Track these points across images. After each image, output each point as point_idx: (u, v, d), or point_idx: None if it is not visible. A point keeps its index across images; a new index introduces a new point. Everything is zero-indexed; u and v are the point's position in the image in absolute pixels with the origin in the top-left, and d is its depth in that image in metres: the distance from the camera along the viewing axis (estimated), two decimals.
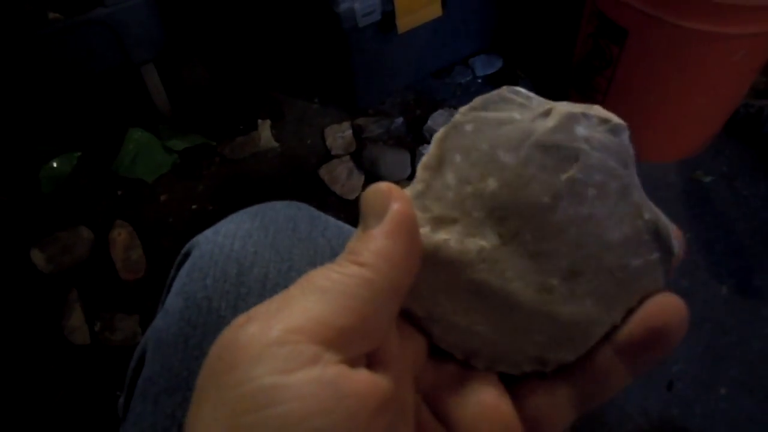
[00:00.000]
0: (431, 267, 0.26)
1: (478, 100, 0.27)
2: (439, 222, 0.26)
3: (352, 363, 0.21)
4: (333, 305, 0.21)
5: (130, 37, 1.22)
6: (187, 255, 0.44)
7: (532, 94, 0.27)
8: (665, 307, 0.24)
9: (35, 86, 1.24)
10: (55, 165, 1.34)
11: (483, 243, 0.25)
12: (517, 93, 0.27)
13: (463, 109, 0.27)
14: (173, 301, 0.41)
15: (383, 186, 0.23)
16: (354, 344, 0.21)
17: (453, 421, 0.25)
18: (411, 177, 1.30)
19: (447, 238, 0.26)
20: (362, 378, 0.21)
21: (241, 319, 0.21)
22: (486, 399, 0.25)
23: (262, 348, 0.19)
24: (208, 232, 0.44)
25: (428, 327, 0.26)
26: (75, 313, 1.14)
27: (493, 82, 1.50)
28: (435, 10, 1.28)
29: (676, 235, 0.25)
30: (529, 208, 0.25)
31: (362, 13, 1.18)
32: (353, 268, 0.22)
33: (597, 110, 0.26)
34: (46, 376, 1.09)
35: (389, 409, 0.21)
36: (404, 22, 1.25)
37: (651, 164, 1.32)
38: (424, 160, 0.27)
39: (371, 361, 0.23)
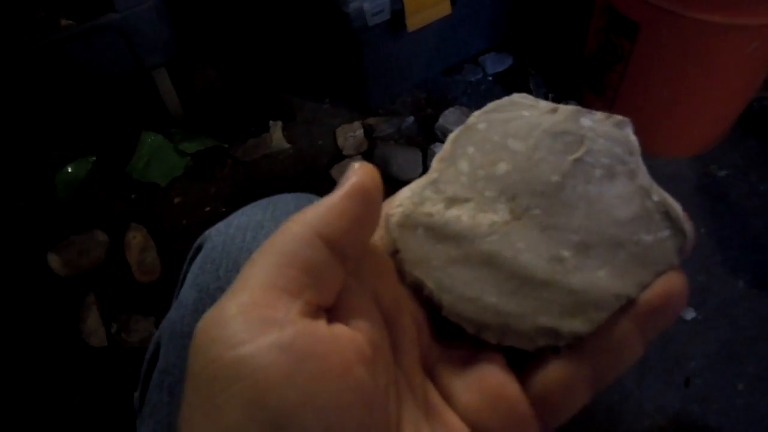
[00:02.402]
0: (443, 240, 0.27)
1: (490, 105, 0.29)
2: (452, 201, 0.27)
3: (313, 315, 0.21)
4: (274, 264, 0.21)
5: (142, 42, 1.23)
6: (199, 248, 0.45)
7: (540, 99, 0.30)
8: (671, 278, 0.25)
9: (49, 92, 1.25)
10: (70, 170, 1.35)
11: (495, 217, 0.26)
12: (526, 98, 0.30)
13: (476, 113, 0.29)
14: (187, 293, 0.41)
15: (355, 164, 0.24)
16: (304, 293, 0.21)
17: (459, 404, 0.25)
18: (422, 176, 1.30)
19: (459, 214, 0.27)
20: (322, 335, 0.21)
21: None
22: (492, 381, 0.25)
23: (220, 327, 0.20)
24: (220, 225, 0.45)
25: (438, 298, 0.26)
26: (92, 316, 1.15)
27: (503, 80, 1.50)
28: (444, 8, 1.28)
29: (685, 218, 0.26)
30: (539, 186, 0.26)
31: (371, 12, 1.19)
32: (292, 226, 0.23)
33: (601, 112, 0.28)
34: (64, 378, 1.10)
35: (367, 370, 0.21)
36: (414, 21, 1.25)
37: (665, 159, 1.31)
38: (438, 154, 0.29)
39: (334, 320, 0.23)
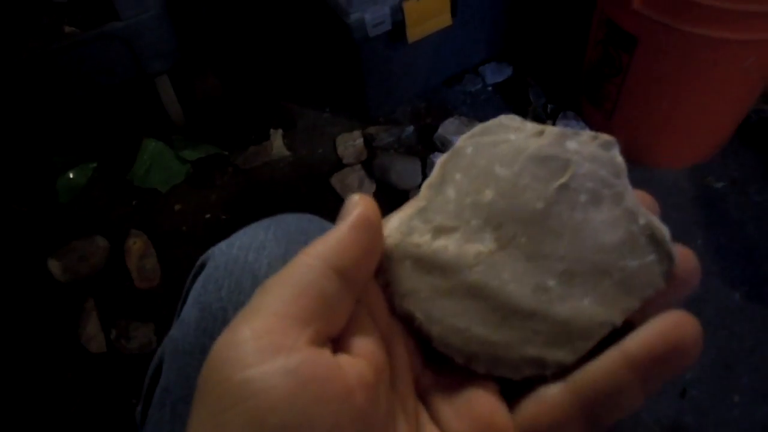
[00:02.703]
0: (430, 272, 0.27)
1: (477, 128, 0.30)
2: (439, 231, 0.28)
3: (320, 343, 0.23)
4: (289, 294, 0.23)
5: (145, 50, 1.24)
6: (203, 266, 0.45)
7: (527, 121, 0.30)
8: (682, 322, 0.23)
9: (52, 98, 1.26)
10: (71, 176, 1.36)
11: (481, 247, 0.27)
12: (513, 120, 0.30)
13: (464, 136, 0.30)
14: (189, 311, 0.42)
15: (354, 196, 0.26)
16: (314, 323, 0.23)
17: (449, 430, 0.25)
18: (421, 185, 1.31)
19: (446, 244, 0.27)
20: (326, 362, 0.22)
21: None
22: (482, 409, 0.25)
23: (233, 349, 0.21)
24: (223, 245, 0.45)
25: (428, 330, 0.27)
26: (91, 322, 1.15)
27: (503, 90, 1.51)
28: (445, 20, 1.29)
29: (672, 241, 0.25)
30: (524, 214, 0.27)
31: (373, 23, 1.20)
32: (306, 258, 0.24)
33: (588, 131, 0.28)
34: (63, 383, 1.10)
35: (368, 396, 0.22)
36: (414, 32, 1.26)
37: (662, 170, 1.32)
38: (427, 180, 0.29)
39: (340, 349, 0.24)
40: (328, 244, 0.24)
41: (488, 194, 0.27)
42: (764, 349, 1.08)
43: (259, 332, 0.22)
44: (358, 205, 0.25)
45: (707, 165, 1.33)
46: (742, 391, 1.04)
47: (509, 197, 0.27)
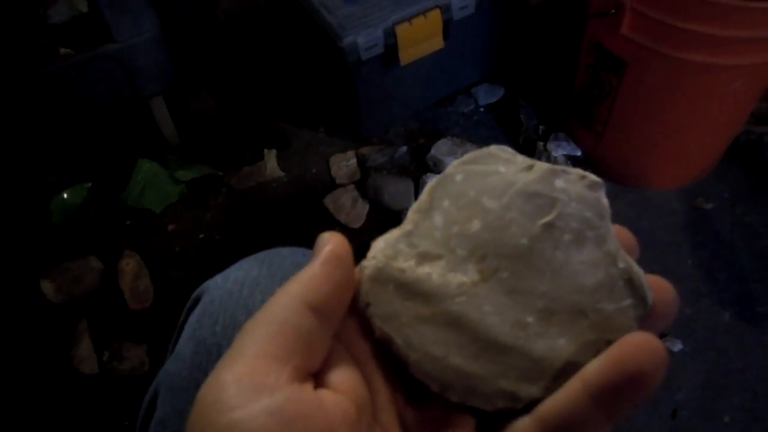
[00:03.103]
0: (413, 298, 0.28)
1: (468, 156, 0.30)
2: (424, 257, 0.28)
3: (301, 379, 0.24)
4: (266, 334, 0.24)
5: (140, 72, 1.25)
6: (197, 300, 0.46)
7: (518, 154, 0.30)
8: (641, 346, 0.22)
9: (47, 119, 1.27)
10: (65, 196, 1.37)
11: (464, 278, 0.27)
12: (504, 151, 0.30)
13: (454, 162, 0.30)
14: (184, 346, 0.42)
15: (325, 234, 0.27)
16: (293, 359, 0.23)
17: None
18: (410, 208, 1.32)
19: (430, 272, 0.28)
20: (309, 399, 0.23)
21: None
22: None
23: (217, 392, 0.22)
24: (218, 279, 0.46)
25: (405, 355, 0.27)
26: (84, 343, 1.15)
27: (495, 111, 1.52)
28: (437, 43, 1.31)
29: (650, 285, 0.26)
30: (509, 248, 0.27)
31: (365, 46, 1.21)
32: (281, 298, 0.25)
33: (576, 170, 0.28)
34: (55, 405, 1.10)
35: (352, 429, 0.23)
36: (407, 55, 1.28)
37: (652, 192, 1.33)
38: (415, 204, 0.30)
39: (321, 385, 0.25)
40: (302, 282, 0.25)
41: (475, 225, 0.28)
42: (754, 369, 1.09)
43: (241, 374, 0.22)
44: (329, 242, 0.26)
45: (697, 186, 1.34)
46: (732, 411, 1.04)
47: (495, 230, 0.27)
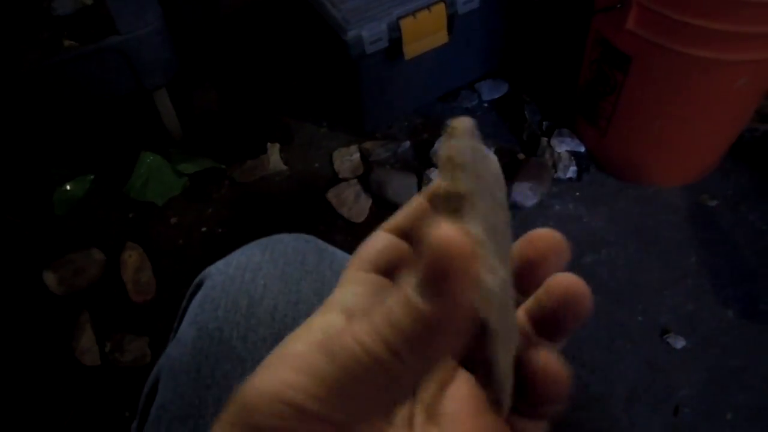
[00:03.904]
0: None
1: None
2: None
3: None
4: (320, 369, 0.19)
5: (143, 64, 1.25)
6: (199, 285, 0.46)
7: None
8: (565, 278, 0.24)
9: (50, 111, 1.27)
10: (68, 188, 1.37)
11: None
12: None
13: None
14: (186, 330, 0.42)
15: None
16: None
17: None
18: None
19: None
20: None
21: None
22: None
23: (258, 399, 0.19)
24: (220, 264, 0.46)
25: None
26: (86, 335, 1.15)
27: (498, 107, 1.52)
28: (441, 37, 1.30)
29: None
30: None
31: (370, 40, 1.21)
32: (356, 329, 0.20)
33: None
34: (57, 396, 1.10)
35: None
36: (411, 49, 1.28)
37: (656, 188, 1.33)
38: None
39: None
40: None
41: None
42: (757, 366, 1.09)
43: (284, 394, 0.20)
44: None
45: (701, 183, 1.34)
46: (734, 409, 1.04)
47: None
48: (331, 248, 0.49)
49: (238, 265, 0.44)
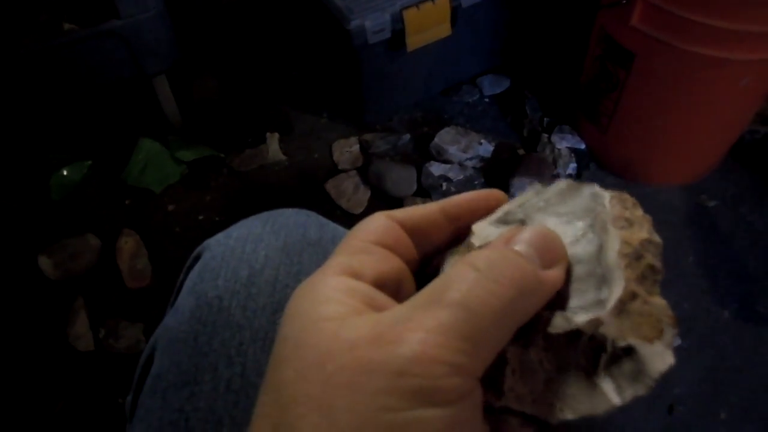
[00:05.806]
0: None
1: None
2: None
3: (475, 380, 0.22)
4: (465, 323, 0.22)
5: (144, 49, 1.24)
6: (197, 258, 0.45)
7: None
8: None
9: (49, 95, 1.26)
10: (65, 173, 1.36)
11: None
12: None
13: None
14: (185, 300, 0.42)
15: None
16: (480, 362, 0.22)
17: None
18: (416, 193, 1.31)
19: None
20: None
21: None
22: None
23: (409, 364, 0.21)
24: (220, 236, 0.45)
25: None
26: (80, 320, 1.14)
27: (500, 102, 1.51)
28: (444, 30, 1.30)
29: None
30: None
31: (372, 30, 1.20)
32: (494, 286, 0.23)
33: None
34: (50, 381, 1.10)
35: None
36: (414, 41, 1.27)
37: (656, 187, 1.33)
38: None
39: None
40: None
41: None
42: (752, 366, 1.09)
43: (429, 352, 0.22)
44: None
45: (701, 183, 1.34)
46: (728, 408, 1.04)
47: None
48: (331, 224, 0.49)
49: (239, 237, 0.44)
